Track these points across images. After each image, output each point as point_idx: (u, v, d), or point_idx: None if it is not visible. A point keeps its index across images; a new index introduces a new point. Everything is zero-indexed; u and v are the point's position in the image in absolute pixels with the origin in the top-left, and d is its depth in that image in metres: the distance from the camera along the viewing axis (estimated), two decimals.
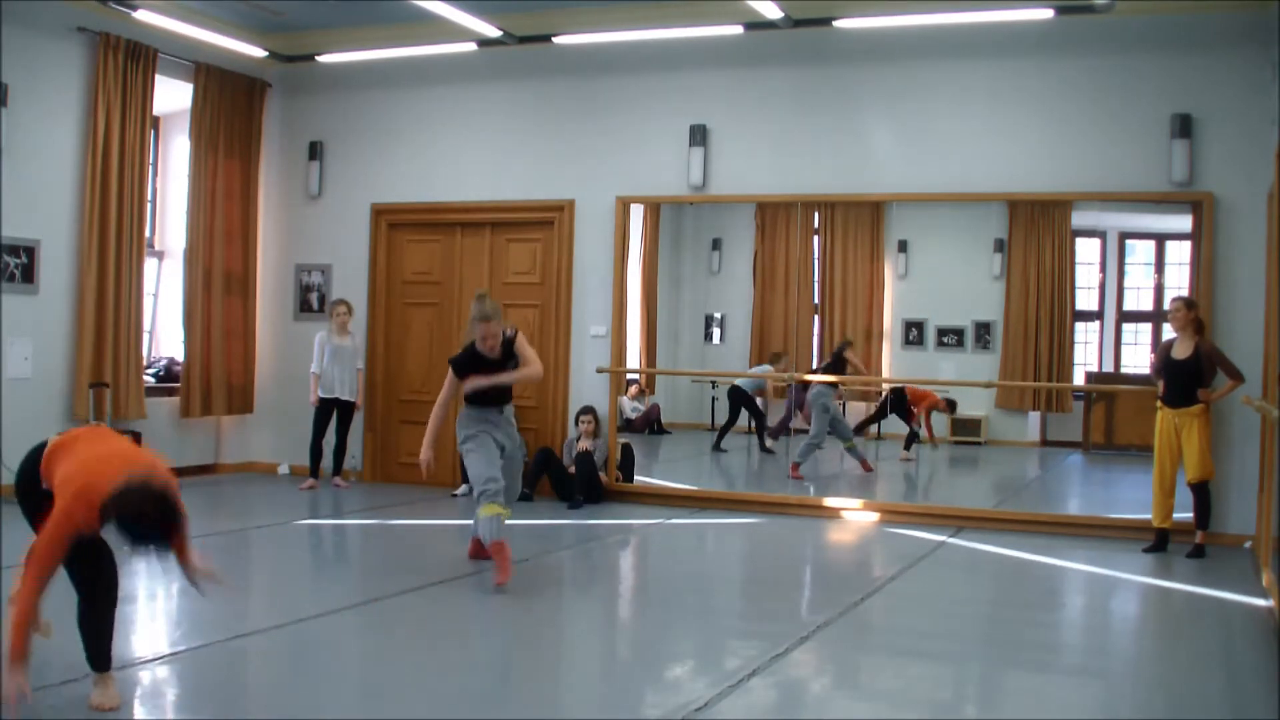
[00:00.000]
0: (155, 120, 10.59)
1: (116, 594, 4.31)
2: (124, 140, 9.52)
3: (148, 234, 10.14)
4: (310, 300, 11.06)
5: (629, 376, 11.47)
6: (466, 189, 10.45)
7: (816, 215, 11.46)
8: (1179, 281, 10.91)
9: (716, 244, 12.21)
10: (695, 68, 9.74)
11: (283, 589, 6.69)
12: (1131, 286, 11.61)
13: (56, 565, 4.02)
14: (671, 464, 11.58)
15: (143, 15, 9.34)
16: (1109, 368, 11.53)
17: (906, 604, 6.44)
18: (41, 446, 4.34)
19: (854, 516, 9.12)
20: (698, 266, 12.33)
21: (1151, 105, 8.50)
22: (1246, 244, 8.20)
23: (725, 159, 9.66)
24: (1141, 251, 11.70)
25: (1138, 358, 11.46)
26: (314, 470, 10.13)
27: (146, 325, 10.34)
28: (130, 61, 9.53)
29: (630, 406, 11.74)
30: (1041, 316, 11.04)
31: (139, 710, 4.35)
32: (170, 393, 10.43)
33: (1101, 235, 11.56)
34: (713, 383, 11.90)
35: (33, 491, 4.33)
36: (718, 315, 12.30)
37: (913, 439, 11.26)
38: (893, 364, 11.65)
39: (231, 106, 10.57)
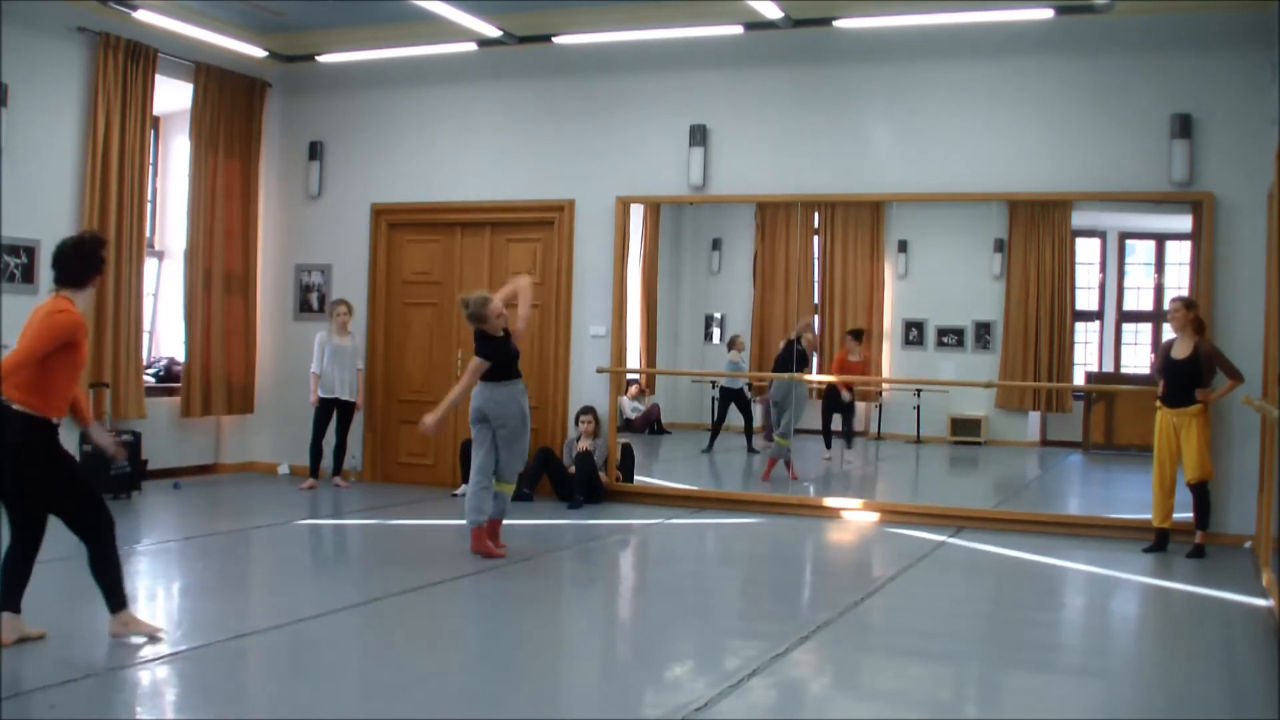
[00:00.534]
0: (155, 120, 10.59)
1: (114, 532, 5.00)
2: (124, 140, 9.52)
3: (148, 234, 10.14)
4: (310, 300, 11.06)
5: (629, 376, 11.47)
6: (466, 189, 10.45)
7: (816, 215, 11.46)
8: (1179, 281, 10.90)
9: (716, 244, 12.21)
10: (695, 68, 9.74)
11: (283, 589, 6.69)
12: (1131, 286, 11.61)
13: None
14: (671, 464, 11.58)
15: (143, 15, 9.34)
16: (1109, 368, 11.53)
17: (906, 604, 6.44)
18: None
19: (854, 516, 9.12)
20: (698, 266, 12.33)
21: (1151, 105, 8.50)
22: (1246, 244, 8.20)
23: (725, 159, 9.66)
24: (1141, 251, 11.70)
25: (1138, 358, 11.46)
26: (314, 470, 10.13)
27: (146, 325, 10.34)
28: (130, 61, 9.53)
29: (630, 406, 11.74)
30: (1041, 316, 11.04)
31: (139, 710, 4.36)
32: (170, 393, 10.43)
33: (1101, 235, 11.56)
34: (713, 383, 11.90)
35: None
36: (718, 315, 12.30)
37: (851, 435, 11.25)
38: (893, 364, 11.65)
39: (231, 106, 10.57)
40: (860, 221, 11.59)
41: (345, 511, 9.20)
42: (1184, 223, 9.15)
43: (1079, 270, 11.26)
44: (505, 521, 7.44)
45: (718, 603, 6.66)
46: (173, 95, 10.29)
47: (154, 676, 4.67)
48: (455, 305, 10.45)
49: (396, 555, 7.52)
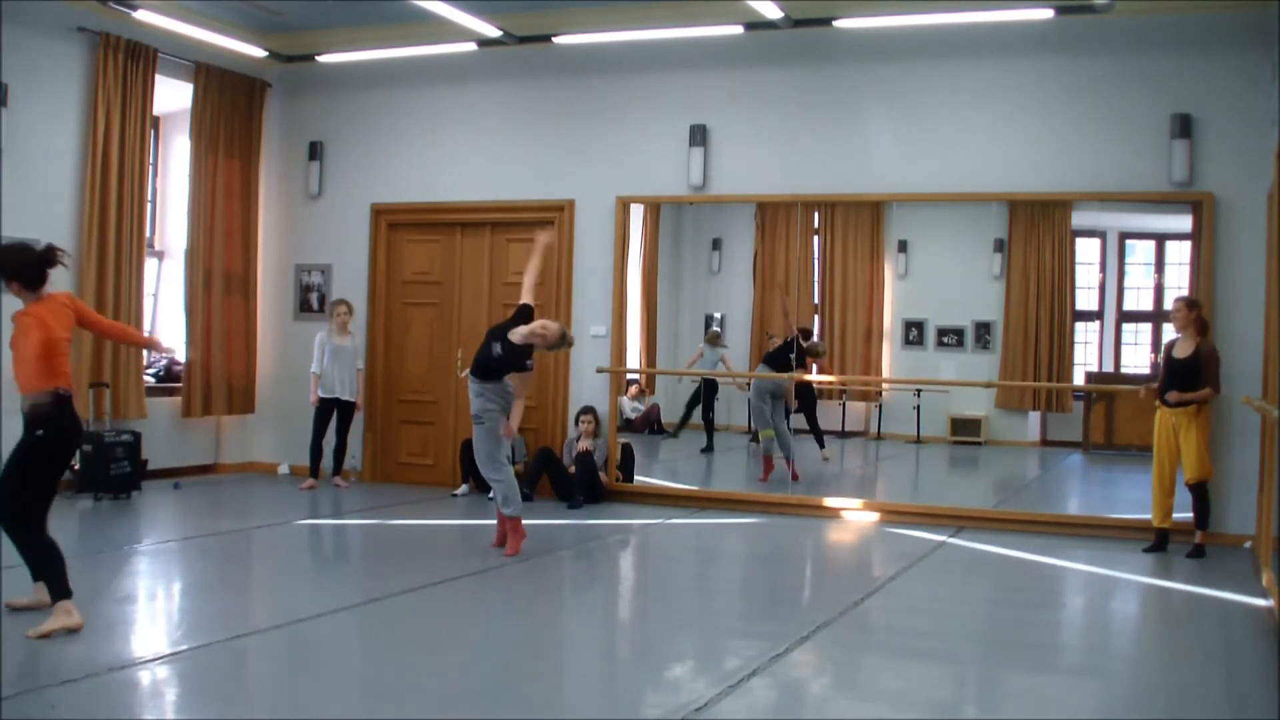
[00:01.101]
0: (155, 120, 10.59)
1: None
2: (124, 140, 9.52)
3: (148, 234, 10.14)
4: (310, 300, 11.06)
5: (629, 376, 11.47)
6: (466, 189, 10.45)
7: (816, 215, 11.45)
8: (1179, 281, 10.90)
9: (716, 244, 12.20)
10: (695, 68, 9.74)
11: (283, 589, 6.69)
12: (1131, 286, 11.60)
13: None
14: (671, 464, 11.58)
15: (143, 15, 9.34)
16: (1109, 368, 11.52)
17: (906, 604, 6.44)
18: None
19: (854, 516, 9.12)
20: (698, 266, 12.32)
21: (1151, 105, 8.50)
22: (1246, 244, 8.20)
23: (725, 159, 9.66)
24: (1141, 251, 11.69)
25: (1138, 358, 11.46)
26: (314, 470, 10.13)
27: (146, 325, 10.34)
28: (130, 61, 9.53)
29: (630, 406, 11.73)
30: (1041, 316, 11.03)
31: (139, 710, 4.36)
32: (170, 393, 10.43)
33: (1101, 235, 11.55)
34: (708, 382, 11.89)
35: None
36: (718, 315, 12.29)
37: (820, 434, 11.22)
38: (893, 364, 11.64)
39: (231, 106, 10.57)
40: (860, 221, 11.58)
41: (345, 511, 9.20)
42: (1184, 223, 9.15)
43: (1079, 270, 11.25)
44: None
45: (718, 603, 6.66)
46: (173, 95, 10.29)
47: (154, 676, 4.67)
48: (455, 305, 10.51)
49: (396, 555, 7.52)
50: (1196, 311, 7.83)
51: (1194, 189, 8.41)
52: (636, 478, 10.01)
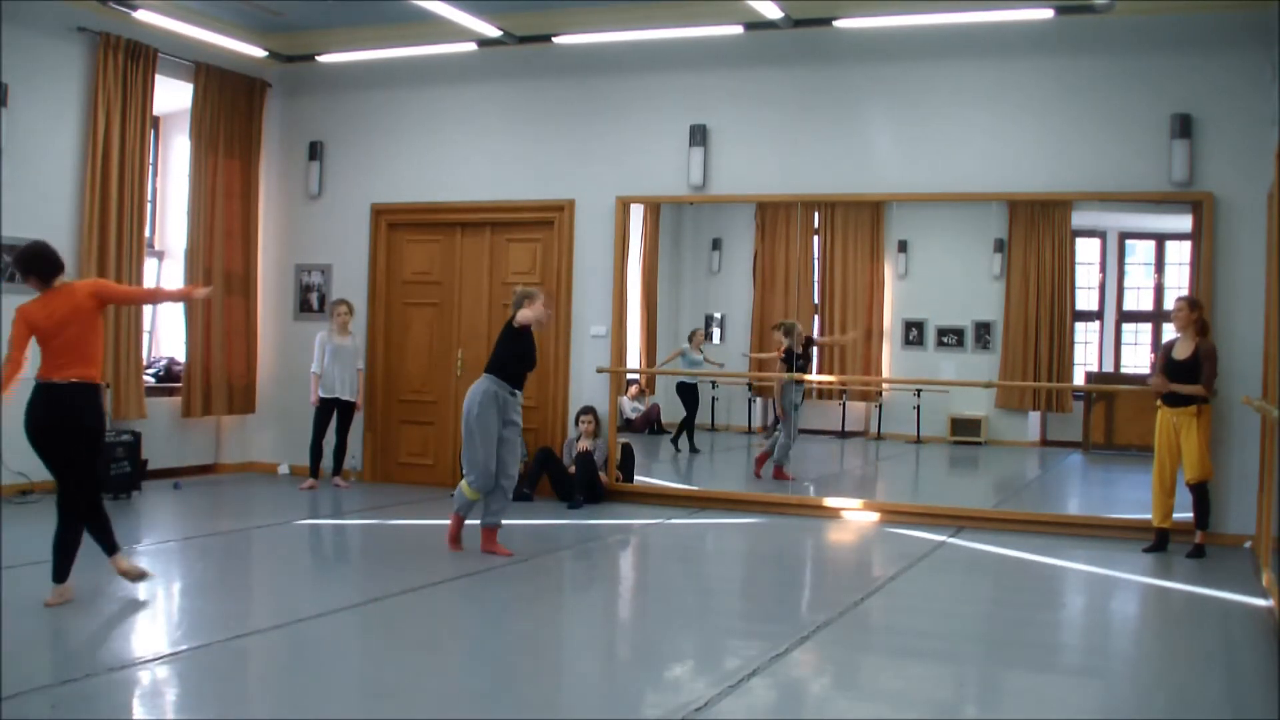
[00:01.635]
0: (155, 120, 10.59)
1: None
2: (124, 140, 9.52)
3: (148, 234, 10.14)
4: (310, 300, 11.07)
5: (629, 376, 11.47)
6: (466, 189, 10.45)
7: (816, 215, 11.45)
8: (1179, 281, 10.90)
9: (716, 244, 12.20)
10: (695, 68, 9.74)
11: (283, 589, 6.69)
12: (1131, 286, 11.61)
13: None
14: (671, 464, 11.58)
15: (143, 15, 9.34)
16: (1109, 368, 11.52)
17: (906, 604, 6.44)
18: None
19: (854, 516, 9.12)
20: (698, 266, 12.32)
21: (1151, 105, 8.50)
22: (1246, 244, 8.20)
23: (725, 159, 9.66)
24: (1141, 251, 11.69)
25: (1138, 358, 11.46)
26: (314, 470, 10.13)
27: (146, 325, 10.34)
28: (130, 61, 9.54)
29: (630, 406, 11.74)
30: (1041, 316, 11.03)
31: (139, 710, 4.36)
32: (170, 393, 10.43)
33: (1101, 235, 11.55)
34: (713, 383, 11.90)
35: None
36: (718, 315, 12.29)
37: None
38: (893, 364, 11.64)
39: (231, 106, 10.57)
40: (860, 221, 11.58)
41: (345, 511, 9.20)
42: (1184, 223, 9.15)
43: (1079, 270, 11.25)
44: (506, 521, 7.46)
45: (718, 603, 6.66)
46: (173, 95, 10.29)
47: (154, 676, 4.67)
48: (455, 305, 10.52)
49: (396, 555, 7.51)
50: (1198, 312, 7.83)
51: (1194, 189, 8.41)
52: (636, 478, 10.01)
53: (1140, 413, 8.22)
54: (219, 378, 10.51)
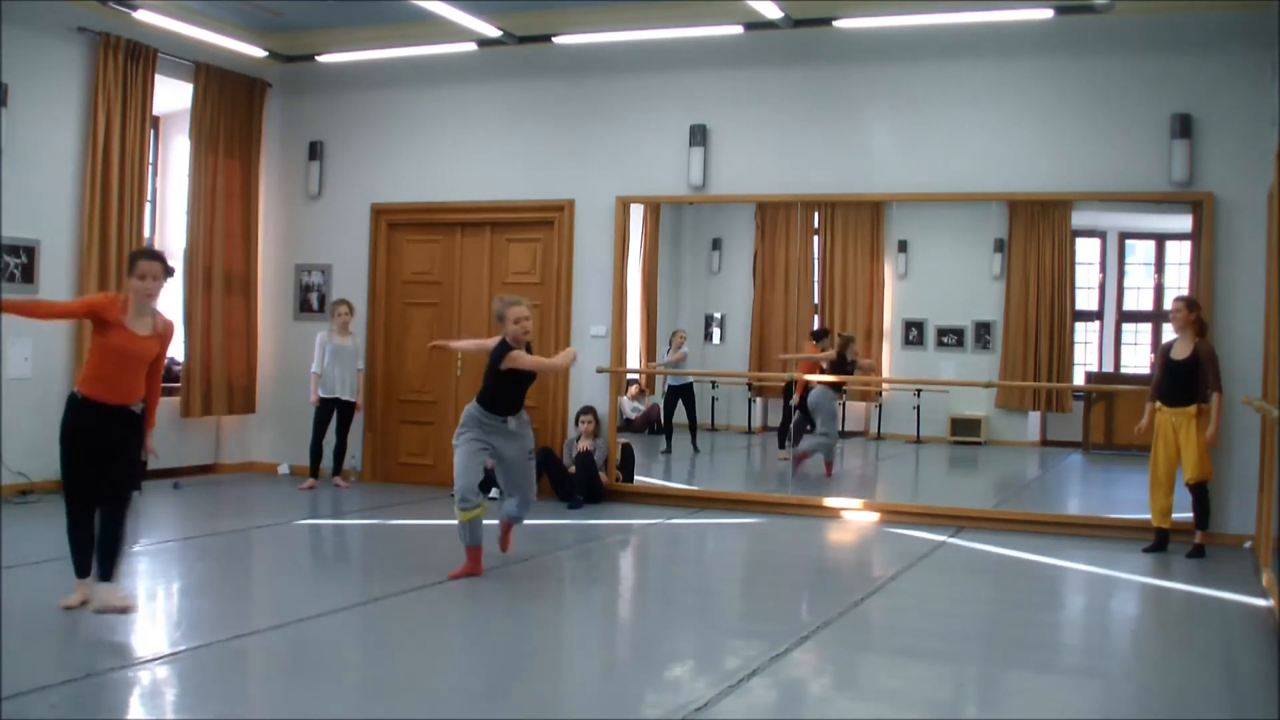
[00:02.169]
0: (155, 120, 10.59)
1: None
2: (124, 140, 9.52)
3: (148, 234, 10.14)
4: (310, 300, 11.07)
5: (629, 376, 11.47)
6: (466, 189, 10.45)
7: (816, 215, 11.45)
8: (1179, 281, 10.90)
9: (716, 244, 12.20)
10: (695, 68, 9.74)
11: (283, 589, 6.69)
12: (1131, 286, 11.61)
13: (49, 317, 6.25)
14: (671, 464, 11.57)
15: (143, 15, 9.34)
16: (1109, 368, 11.52)
17: (906, 604, 6.44)
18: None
19: (854, 516, 9.12)
20: (698, 266, 12.32)
21: (1151, 105, 8.50)
22: (1246, 244, 8.20)
23: (725, 159, 9.66)
24: (1141, 251, 11.69)
25: (1138, 358, 11.46)
26: (314, 470, 10.13)
27: None
28: (130, 61, 9.53)
29: (630, 406, 11.74)
30: (1041, 316, 11.03)
31: (139, 710, 4.36)
32: (170, 393, 10.41)
33: (1101, 235, 11.55)
34: (712, 383, 11.90)
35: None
36: (718, 315, 12.29)
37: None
38: (893, 364, 11.64)
39: (231, 106, 10.57)
40: (860, 221, 11.58)
41: (345, 511, 9.20)
42: (1184, 223, 9.15)
43: (1079, 270, 11.25)
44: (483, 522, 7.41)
45: (718, 603, 6.65)
46: (173, 95, 10.29)
47: (154, 676, 4.67)
48: (455, 305, 10.51)
49: (396, 555, 7.52)
50: (1196, 312, 7.83)
51: (1194, 189, 8.41)
52: (636, 478, 10.01)
53: (1140, 413, 8.22)
54: (219, 378, 10.51)
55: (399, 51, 10.21)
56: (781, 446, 11.10)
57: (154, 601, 6.09)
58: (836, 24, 8.97)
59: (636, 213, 10.73)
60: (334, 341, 10.11)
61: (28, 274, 9.00)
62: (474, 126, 10.47)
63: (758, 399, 12.04)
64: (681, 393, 11.54)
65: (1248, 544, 7.95)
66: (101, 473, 5.41)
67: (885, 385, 11.73)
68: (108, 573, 5.32)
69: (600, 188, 9.96)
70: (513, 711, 4.44)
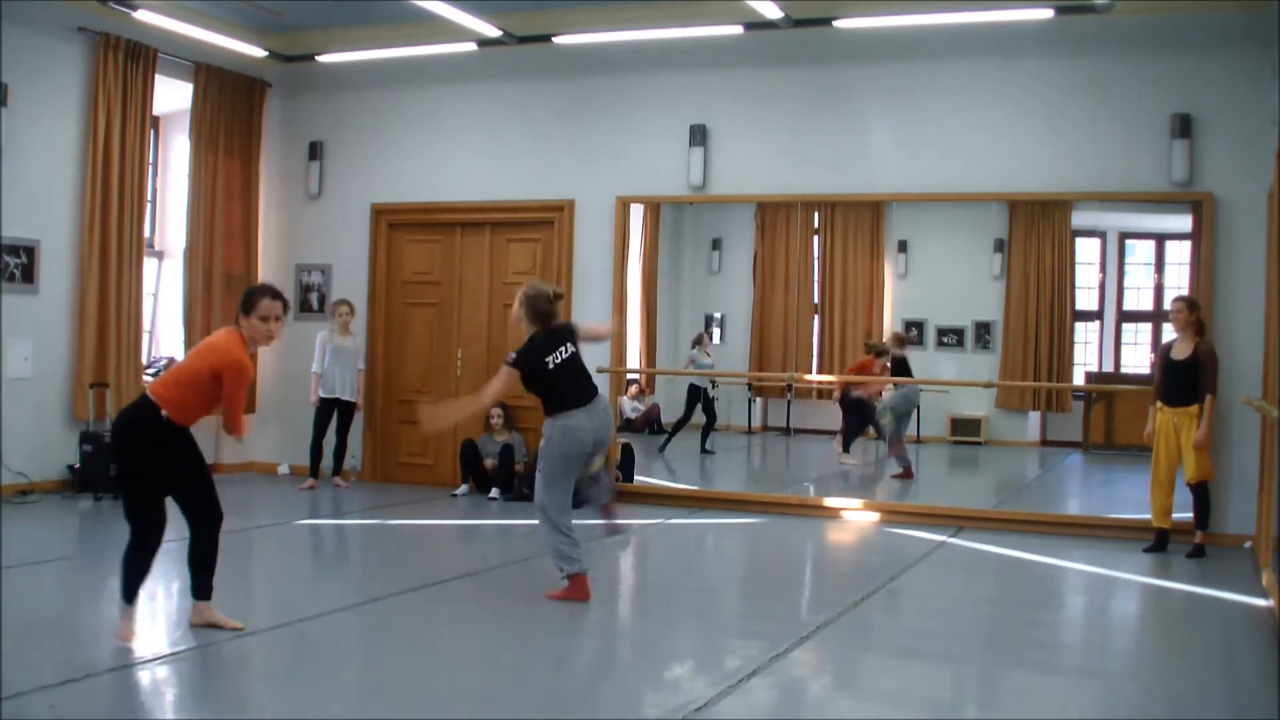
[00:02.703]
0: (155, 120, 10.59)
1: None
2: (124, 140, 9.52)
3: (148, 234, 10.14)
4: (310, 300, 11.07)
5: (629, 376, 11.47)
6: (466, 189, 10.45)
7: (816, 215, 11.47)
8: (1179, 281, 10.91)
9: (716, 244, 12.21)
10: (695, 68, 9.74)
11: (283, 589, 6.69)
12: (1131, 286, 11.62)
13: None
14: (671, 464, 11.58)
15: (143, 15, 9.34)
16: (1109, 368, 11.54)
17: (906, 604, 6.45)
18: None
19: (854, 516, 9.12)
20: (698, 266, 12.33)
21: (1151, 105, 8.50)
22: (1246, 244, 8.20)
23: (725, 159, 9.65)
24: (1141, 251, 11.71)
25: (1138, 358, 11.48)
26: (314, 470, 10.13)
27: (146, 325, 10.33)
28: (130, 61, 9.53)
29: (630, 406, 11.75)
30: (1041, 316, 11.04)
31: (139, 710, 4.36)
32: None
33: (1101, 235, 11.57)
34: (713, 382, 11.90)
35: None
36: (718, 315, 12.30)
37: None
38: (893, 364, 11.64)
39: (231, 106, 10.57)
40: (860, 221, 11.59)
41: (345, 511, 9.20)
42: (1184, 223, 9.15)
43: (1079, 270, 11.27)
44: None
45: (718, 603, 6.65)
46: (173, 95, 10.29)
47: (154, 676, 4.67)
48: (455, 305, 10.51)
49: (396, 555, 7.51)
50: (1196, 312, 7.82)
51: (1194, 189, 8.41)
52: (636, 478, 10.01)
53: (1140, 413, 8.22)
54: None
55: (399, 51, 10.21)
56: (846, 450, 11.12)
57: (154, 601, 6.09)
58: (836, 24, 8.96)
59: (636, 213, 10.73)
60: (334, 341, 10.11)
61: (28, 274, 9.00)
62: (474, 126, 10.47)
63: (758, 399, 12.04)
64: (703, 392, 11.57)
65: (1248, 544, 7.95)
66: (187, 495, 5.45)
67: (885, 386, 11.73)
68: (210, 590, 5.41)
69: (600, 188, 9.96)
70: (513, 711, 4.44)
